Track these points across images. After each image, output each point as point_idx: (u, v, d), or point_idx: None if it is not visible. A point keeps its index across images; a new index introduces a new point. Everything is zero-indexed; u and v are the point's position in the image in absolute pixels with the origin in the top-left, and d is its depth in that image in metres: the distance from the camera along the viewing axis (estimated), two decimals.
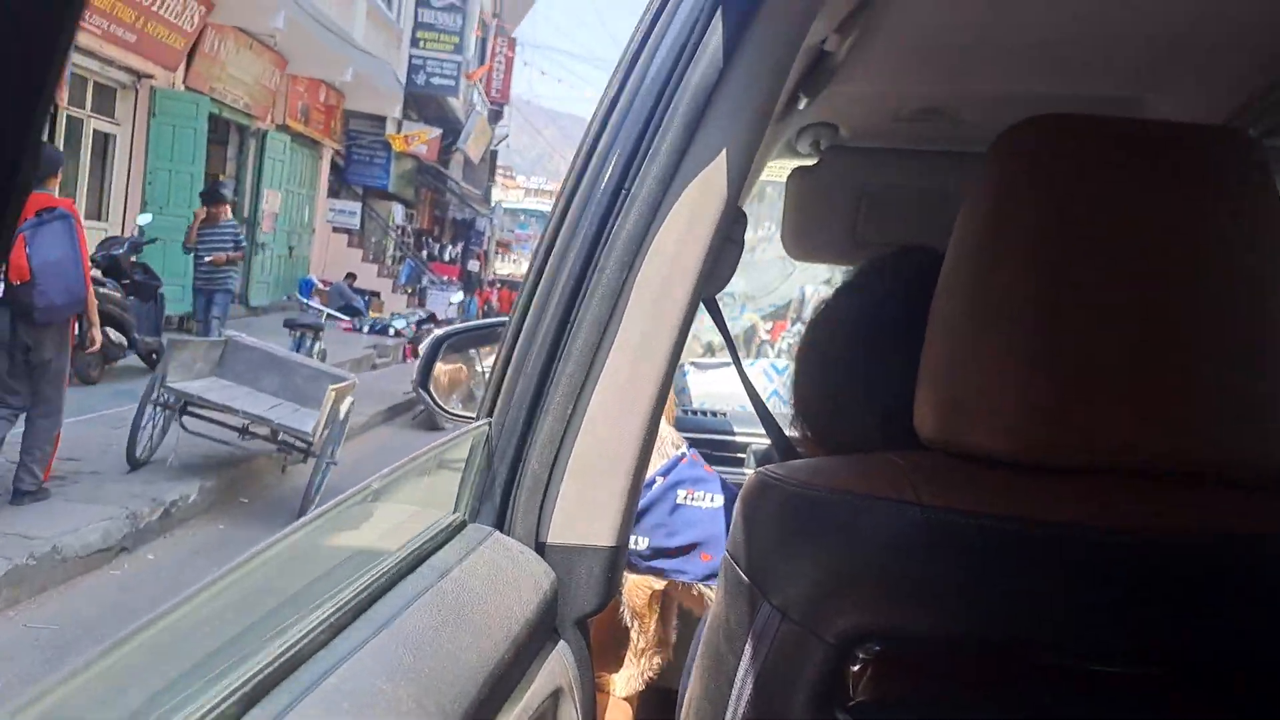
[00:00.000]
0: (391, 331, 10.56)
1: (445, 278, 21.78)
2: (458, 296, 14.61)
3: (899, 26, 1.34)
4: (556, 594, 0.95)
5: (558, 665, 0.90)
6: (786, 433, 2.04)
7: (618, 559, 0.99)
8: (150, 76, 11.48)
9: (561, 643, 0.95)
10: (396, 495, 0.96)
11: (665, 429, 1.72)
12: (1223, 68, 1.46)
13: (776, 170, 2.04)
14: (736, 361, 1.38)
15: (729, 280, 1.05)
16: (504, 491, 0.97)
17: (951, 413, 0.85)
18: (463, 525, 0.95)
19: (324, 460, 5.87)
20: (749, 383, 1.43)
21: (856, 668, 0.78)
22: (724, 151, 0.93)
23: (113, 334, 7.86)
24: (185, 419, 5.97)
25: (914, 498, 0.86)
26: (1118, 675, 0.71)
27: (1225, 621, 0.71)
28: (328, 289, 15.92)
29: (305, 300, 11.10)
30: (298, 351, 8.12)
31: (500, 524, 0.97)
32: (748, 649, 0.84)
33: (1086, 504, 0.75)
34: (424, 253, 23.04)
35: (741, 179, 0.94)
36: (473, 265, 27.49)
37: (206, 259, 9.47)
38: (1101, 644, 0.71)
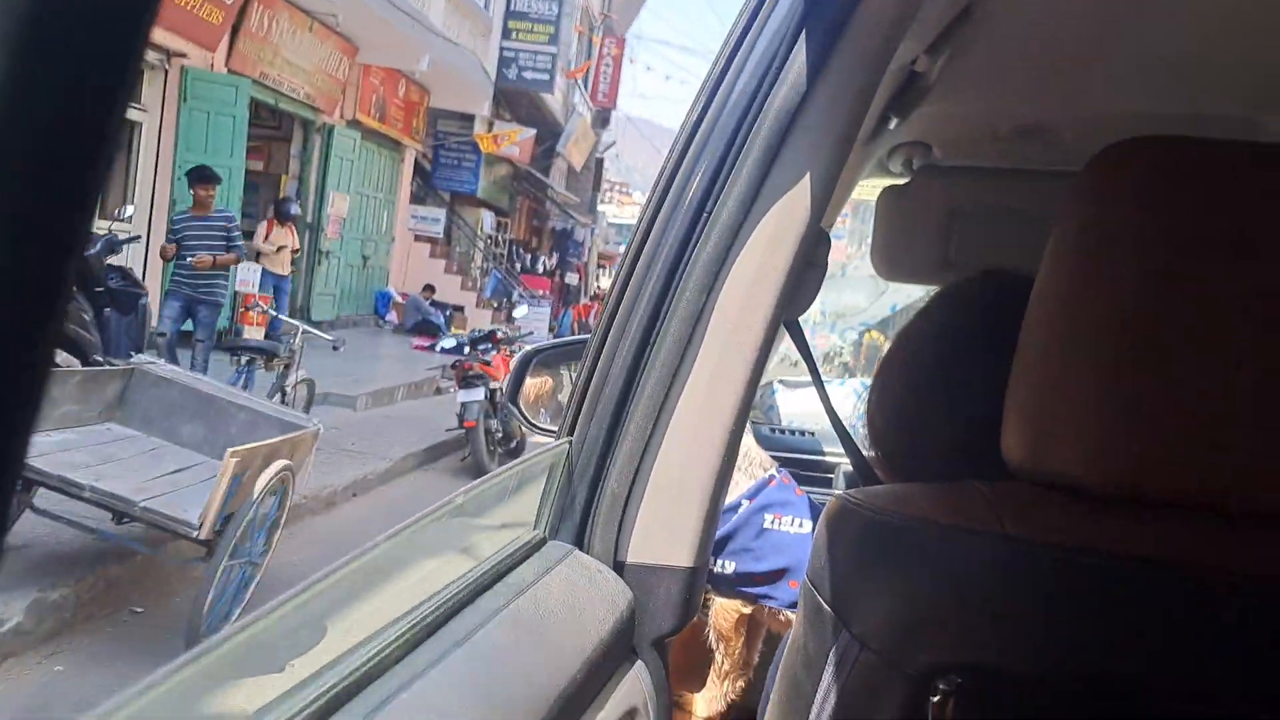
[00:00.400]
0: (438, 350, 9.09)
1: (538, 292, 20.77)
2: (521, 310, 12.91)
3: (995, 46, 1.32)
4: (634, 614, 0.95)
5: (633, 685, 0.91)
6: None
7: (696, 580, 0.98)
8: (182, 55, 9.72)
9: (639, 663, 0.95)
10: (480, 512, 0.98)
11: (754, 450, 1.71)
12: None
13: (869, 190, 2.02)
14: (817, 380, 1.37)
15: (811, 303, 1.04)
16: (583, 510, 0.97)
17: (1039, 441, 0.83)
18: (543, 542, 0.96)
19: (221, 562, 3.74)
20: (829, 403, 1.41)
21: (936, 699, 0.76)
22: (806, 174, 0.92)
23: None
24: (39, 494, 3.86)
25: (999, 527, 0.84)
26: (1213, 716, 0.68)
27: None
28: (404, 303, 15.05)
29: (382, 315, 10.36)
30: (239, 384, 6.11)
31: (579, 542, 0.97)
32: (826, 677, 0.83)
33: (1178, 540, 0.73)
34: (516, 265, 22.44)
35: (823, 202, 0.94)
36: (571, 278, 26.52)
37: (189, 259, 7.36)
38: (1194, 684, 0.68)
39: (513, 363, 1.80)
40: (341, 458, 6.75)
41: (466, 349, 8.04)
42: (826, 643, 0.85)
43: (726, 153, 0.92)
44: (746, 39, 0.93)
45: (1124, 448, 0.74)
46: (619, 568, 0.97)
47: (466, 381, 7.49)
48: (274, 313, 8.28)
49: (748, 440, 1.62)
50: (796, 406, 3.14)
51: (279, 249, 10.14)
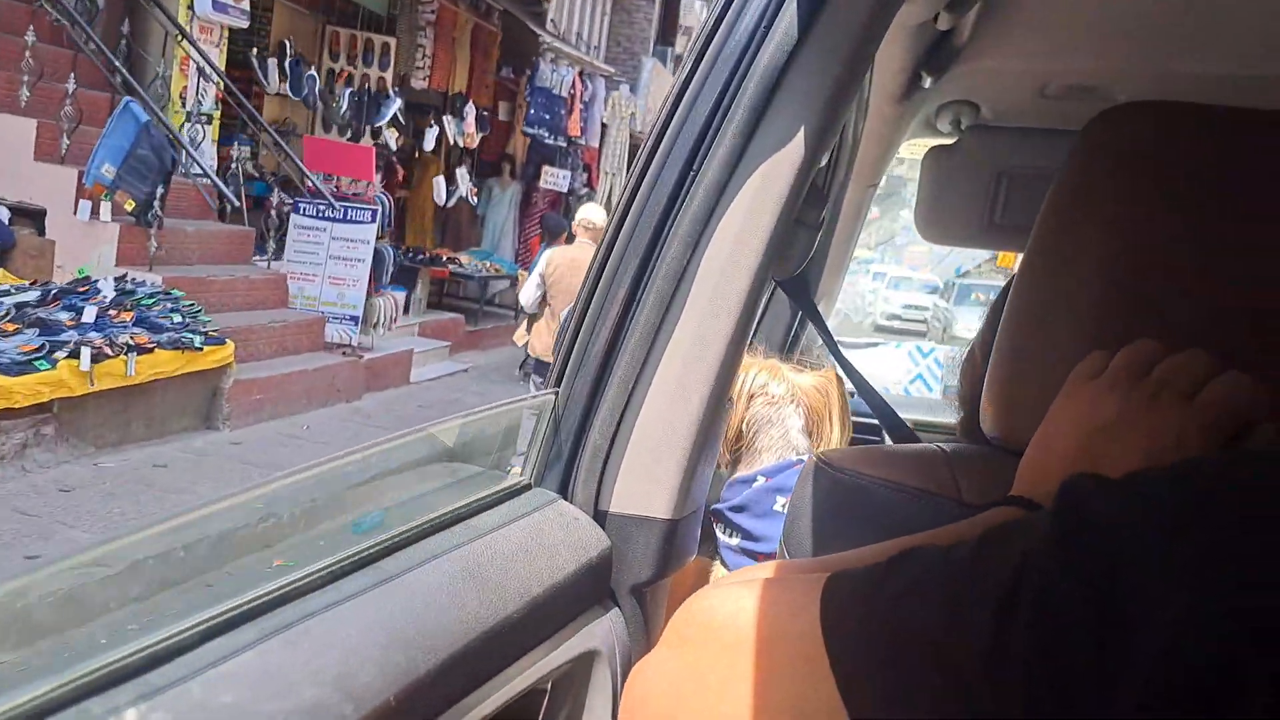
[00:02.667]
0: None
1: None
2: None
3: (1030, 2, 1.28)
4: (610, 561, 0.98)
5: (602, 629, 0.94)
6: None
7: (676, 531, 1.01)
8: None
9: (614, 609, 0.99)
10: (468, 450, 1.02)
11: (795, 432, 1.60)
12: None
13: (921, 149, 1.98)
14: (831, 344, 1.37)
15: (803, 263, 1.04)
16: (568, 459, 1.00)
17: (1007, 409, 0.83)
18: (526, 488, 1.00)
19: None
20: (849, 364, 1.41)
21: None
22: (795, 135, 0.92)
23: None
24: None
25: (955, 493, 0.85)
26: None
27: None
28: None
29: None
30: None
31: (564, 490, 1.01)
32: None
33: None
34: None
35: (812, 162, 0.94)
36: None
37: None
38: None
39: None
40: None
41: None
42: None
43: (714, 112, 0.93)
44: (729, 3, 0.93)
45: None
46: (600, 517, 1.00)
47: None
48: None
49: (790, 422, 1.57)
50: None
51: None
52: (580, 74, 14.02)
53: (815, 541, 0.92)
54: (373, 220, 8.55)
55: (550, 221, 10.15)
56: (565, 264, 5.96)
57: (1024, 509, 0.67)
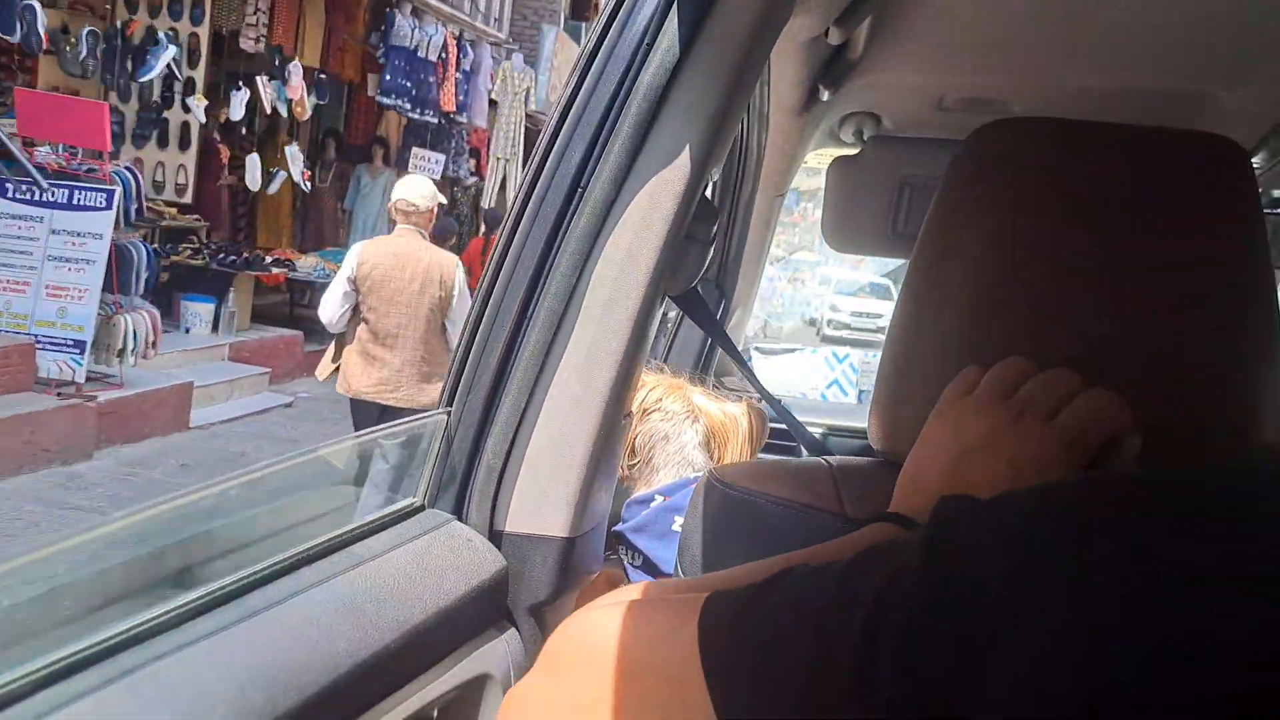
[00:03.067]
0: None
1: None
2: None
3: (925, 17, 1.30)
4: (506, 581, 0.97)
5: (496, 653, 0.93)
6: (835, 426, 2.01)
7: (572, 550, 1.00)
8: None
9: (512, 630, 0.97)
10: (357, 475, 1.00)
11: (693, 447, 1.57)
12: None
13: (825, 159, 2.00)
14: (734, 355, 1.37)
15: (695, 278, 1.05)
16: (461, 480, 0.99)
17: (890, 422, 0.84)
18: (419, 510, 0.98)
19: None
20: (753, 376, 1.42)
21: None
22: (681, 151, 0.92)
23: None
24: None
25: (839, 508, 0.85)
26: None
27: None
28: None
29: None
30: None
31: (458, 511, 0.99)
32: None
33: None
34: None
35: (700, 178, 0.94)
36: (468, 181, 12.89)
37: None
38: None
39: None
40: None
41: None
42: None
43: (599, 130, 0.92)
44: (620, 13, 0.93)
45: None
46: (496, 537, 0.99)
47: None
48: None
49: (686, 437, 1.56)
50: (773, 373, 3.15)
51: None
52: (457, 36, 11.23)
53: (708, 558, 0.92)
54: (109, 206, 6.15)
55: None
56: (384, 262, 4.32)
57: (901, 526, 0.68)
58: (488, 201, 12.11)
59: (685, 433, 1.52)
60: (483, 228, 9.34)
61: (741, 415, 1.56)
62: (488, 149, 12.61)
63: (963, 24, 1.35)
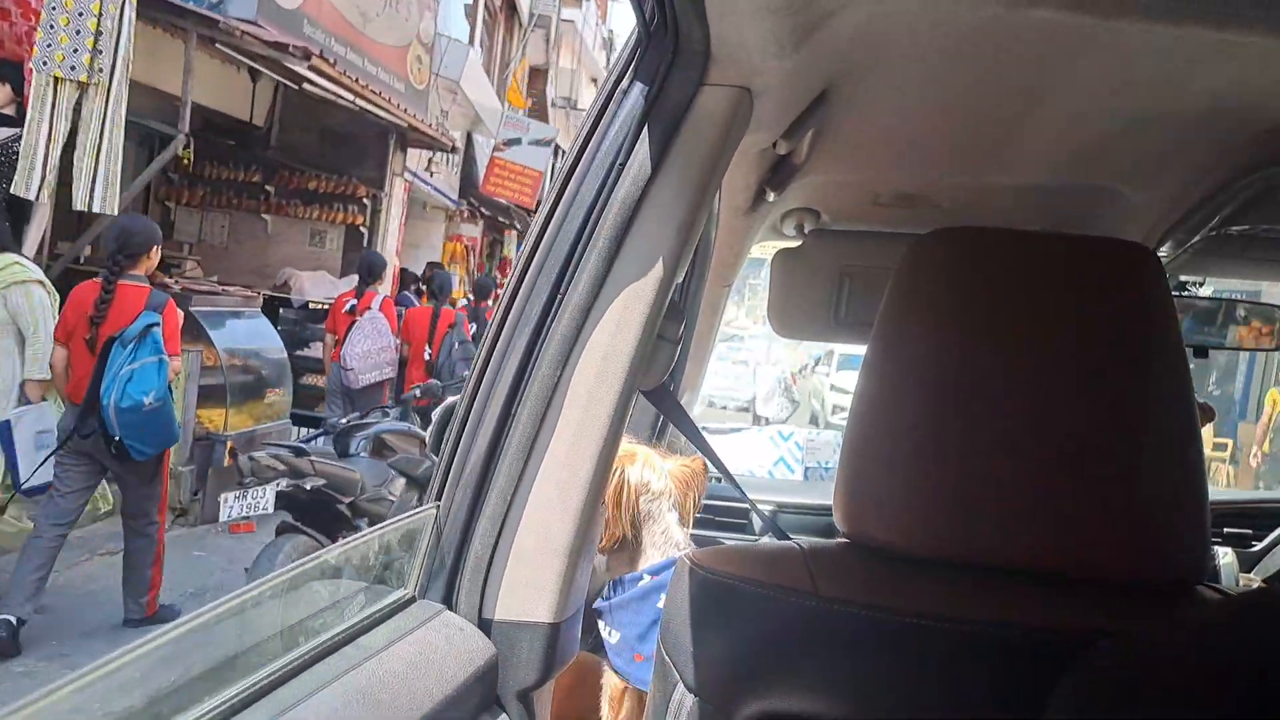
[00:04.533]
0: None
1: None
2: None
3: (858, 124, 1.41)
4: (496, 668, 1.01)
5: None
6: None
7: (558, 634, 1.05)
8: None
9: (502, 716, 1.02)
10: (346, 572, 1.04)
11: (674, 528, 1.65)
12: (1183, 159, 1.51)
13: (770, 250, 2.11)
14: (696, 437, 1.45)
15: (665, 374, 1.12)
16: (451, 570, 1.04)
17: (854, 506, 0.91)
18: (411, 601, 1.02)
19: None
20: (715, 456, 1.50)
21: None
22: (653, 259, 1.01)
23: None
24: None
25: (811, 588, 0.92)
26: None
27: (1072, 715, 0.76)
28: None
29: None
30: None
31: (448, 601, 1.04)
32: None
33: (965, 599, 0.81)
34: None
35: (669, 283, 1.02)
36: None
37: None
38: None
39: (435, 414, 1.84)
40: None
41: None
42: (668, 693, 0.93)
43: (577, 240, 1.01)
44: (596, 133, 1.02)
45: (922, 516, 0.83)
46: (485, 624, 1.03)
47: None
48: None
49: (669, 517, 1.64)
50: (722, 452, 3.22)
51: None
52: None
53: (688, 640, 0.98)
54: None
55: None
56: None
57: None
58: None
59: (666, 513, 1.60)
60: None
61: (696, 475, 1.67)
62: None
63: (895, 131, 1.47)
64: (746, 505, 2.83)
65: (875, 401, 0.89)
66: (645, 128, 0.98)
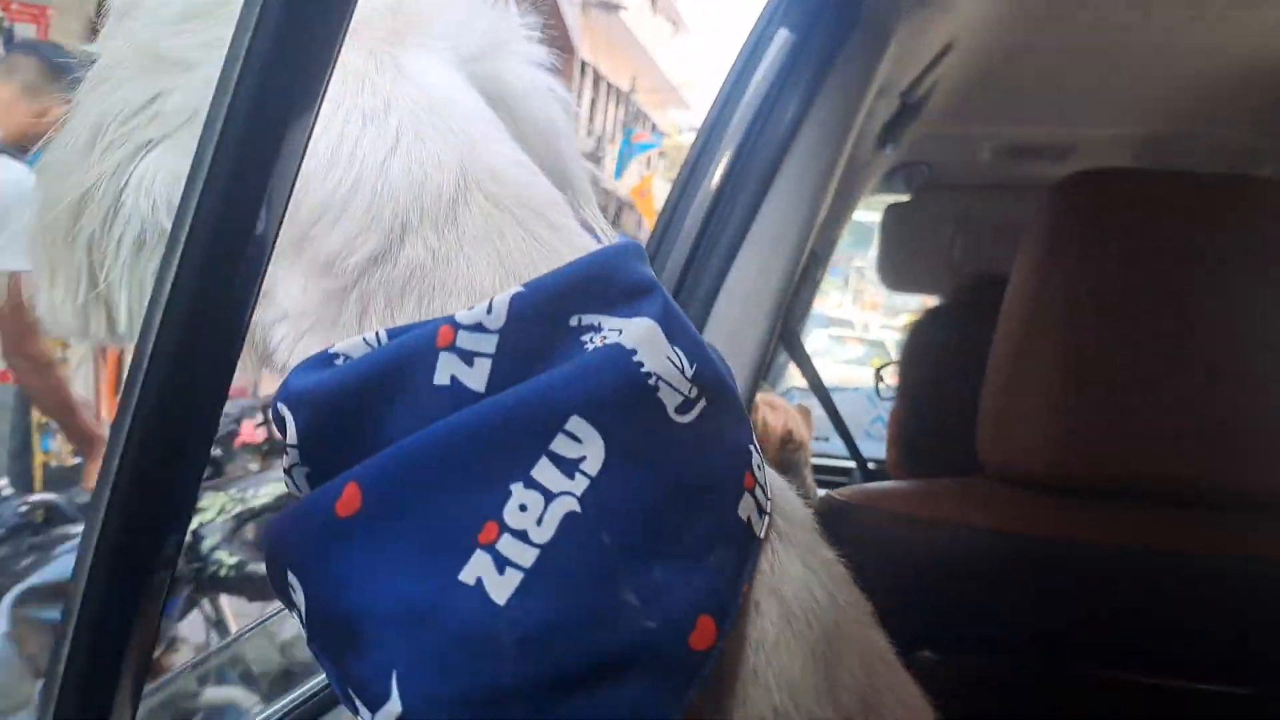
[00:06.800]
0: None
1: None
2: None
3: (976, 74, 1.41)
4: None
5: None
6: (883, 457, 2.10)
7: None
8: None
9: None
10: None
11: (810, 482, 1.65)
12: None
13: (878, 205, 2.11)
14: (819, 388, 1.47)
15: (806, 316, 1.14)
16: None
17: (1000, 439, 0.93)
18: None
19: None
20: (833, 406, 1.52)
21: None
22: (794, 205, 1.03)
23: None
24: None
25: (962, 519, 0.94)
26: (1129, 681, 0.78)
27: (1229, 636, 0.77)
28: None
29: None
30: None
31: None
32: None
33: (1108, 525, 0.83)
34: None
35: (810, 225, 1.04)
36: None
37: None
38: (1112, 653, 0.79)
39: None
40: None
41: None
42: None
43: (722, 189, 1.03)
44: (744, 75, 1.04)
45: (1065, 444, 0.85)
46: None
47: None
48: None
49: (804, 472, 1.63)
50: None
51: None
52: None
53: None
54: None
55: None
56: None
57: None
58: None
59: (804, 469, 1.58)
60: None
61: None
62: None
63: (1009, 77, 1.46)
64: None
65: (1022, 339, 0.91)
66: (794, 70, 1.00)
